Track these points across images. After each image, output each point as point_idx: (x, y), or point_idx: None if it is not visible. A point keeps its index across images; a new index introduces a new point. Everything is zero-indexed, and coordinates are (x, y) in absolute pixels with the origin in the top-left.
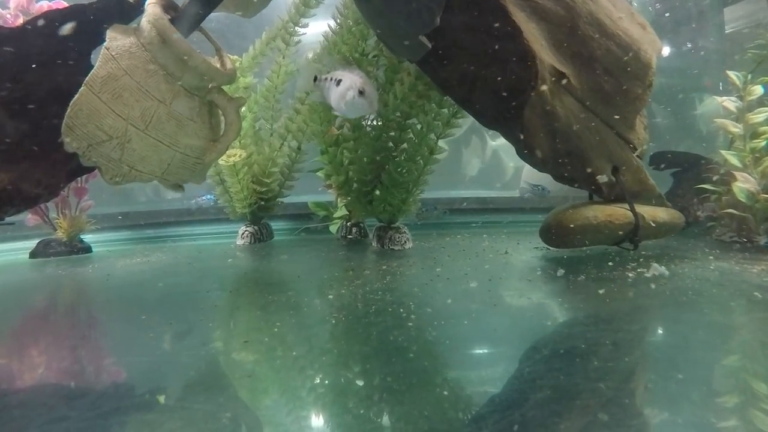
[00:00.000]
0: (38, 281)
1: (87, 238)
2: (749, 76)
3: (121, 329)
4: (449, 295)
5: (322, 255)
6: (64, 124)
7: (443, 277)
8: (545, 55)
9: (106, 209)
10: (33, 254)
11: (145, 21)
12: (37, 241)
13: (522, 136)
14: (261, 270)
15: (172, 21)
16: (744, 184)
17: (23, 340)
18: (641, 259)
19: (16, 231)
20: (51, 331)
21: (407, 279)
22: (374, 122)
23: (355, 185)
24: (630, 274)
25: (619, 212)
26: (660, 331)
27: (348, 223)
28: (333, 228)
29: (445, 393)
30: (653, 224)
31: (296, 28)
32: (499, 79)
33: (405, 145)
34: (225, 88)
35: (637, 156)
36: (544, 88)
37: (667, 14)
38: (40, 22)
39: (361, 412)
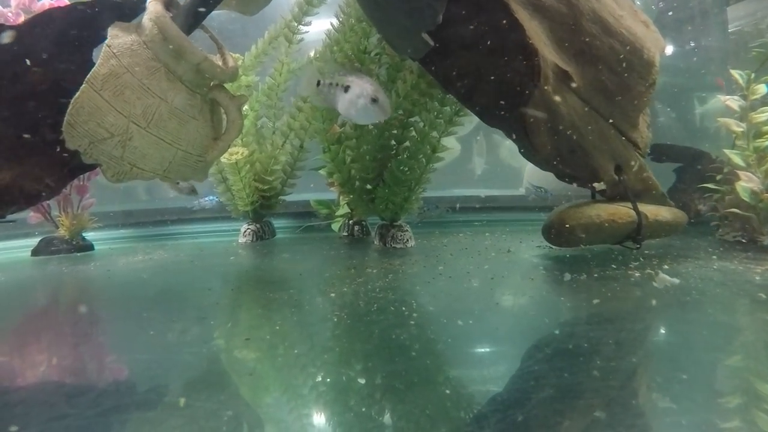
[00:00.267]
0: (40, 279)
1: (89, 235)
2: (753, 75)
3: (122, 327)
4: (451, 294)
5: (324, 253)
6: (66, 121)
7: (445, 276)
8: (548, 52)
9: (108, 207)
10: (35, 252)
11: (146, 18)
12: (39, 238)
13: (524, 134)
14: (263, 268)
15: (174, 19)
16: (747, 184)
17: (25, 337)
18: (644, 259)
19: (18, 229)
20: (52, 329)
21: (409, 277)
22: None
23: (357, 183)
24: (636, 273)
25: (622, 211)
26: (663, 331)
27: (350, 221)
28: (335, 226)
29: (447, 392)
30: (656, 223)
31: (299, 26)
32: (501, 77)
33: (407, 143)
34: (227, 86)
35: (640, 154)
36: (547, 86)
37: (669, 12)
38: (42, 20)
39: (363, 410)
